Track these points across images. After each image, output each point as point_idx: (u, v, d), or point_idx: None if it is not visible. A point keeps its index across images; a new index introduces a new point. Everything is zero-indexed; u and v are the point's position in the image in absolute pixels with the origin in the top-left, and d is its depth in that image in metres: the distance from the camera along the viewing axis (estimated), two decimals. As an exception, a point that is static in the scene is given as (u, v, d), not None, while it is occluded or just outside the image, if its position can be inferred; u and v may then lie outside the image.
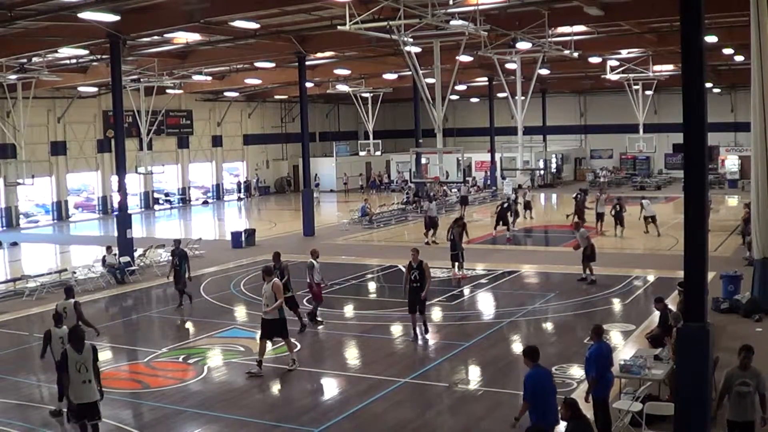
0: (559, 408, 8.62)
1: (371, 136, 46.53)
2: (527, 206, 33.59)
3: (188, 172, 49.54)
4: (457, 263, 21.71)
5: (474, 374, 13.64)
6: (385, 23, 20.50)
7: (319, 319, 16.92)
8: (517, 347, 15.40)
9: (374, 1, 20.00)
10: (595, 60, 35.30)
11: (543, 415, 8.82)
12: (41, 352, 11.65)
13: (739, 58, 33.25)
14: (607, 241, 27.38)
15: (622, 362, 11.11)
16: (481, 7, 21.52)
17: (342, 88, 43.87)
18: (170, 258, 19.75)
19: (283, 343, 13.89)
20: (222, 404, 12.12)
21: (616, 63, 36.74)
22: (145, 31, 24.27)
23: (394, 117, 61.47)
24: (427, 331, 15.53)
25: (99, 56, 27.42)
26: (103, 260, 22.61)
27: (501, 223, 28.37)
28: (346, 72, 38.38)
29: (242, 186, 52.66)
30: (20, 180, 31.69)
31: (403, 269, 22.96)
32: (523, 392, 9.05)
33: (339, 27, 20.80)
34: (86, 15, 19.74)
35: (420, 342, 15.23)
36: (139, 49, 28.69)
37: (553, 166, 52.89)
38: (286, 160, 56.13)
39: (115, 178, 33.92)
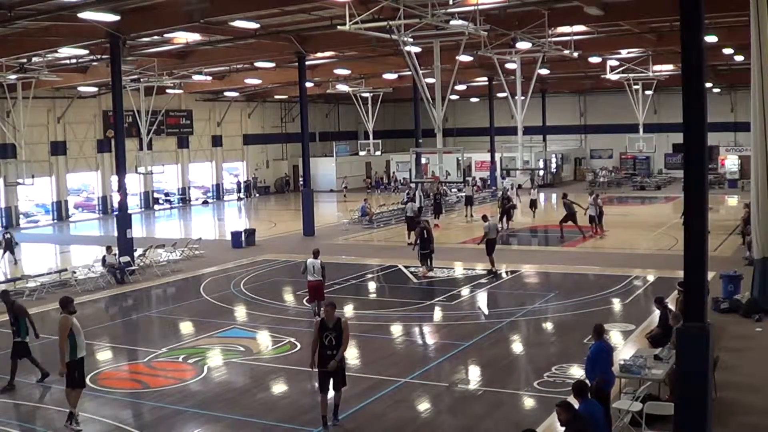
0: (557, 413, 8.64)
1: (371, 136, 46.51)
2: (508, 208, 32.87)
3: (188, 172, 49.54)
4: (428, 260, 22.08)
5: (474, 374, 13.63)
6: (385, 23, 20.49)
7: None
8: (517, 347, 15.44)
9: (374, 1, 19.99)
10: (595, 60, 35.29)
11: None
12: None
13: (739, 58, 33.25)
14: (606, 241, 27.40)
15: (622, 362, 11.09)
16: (481, 7, 21.51)
17: (342, 88, 43.85)
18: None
19: (286, 342, 13.70)
20: (222, 404, 12.11)
21: (616, 63, 36.72)
22: (145, 31, 24.27)
23: (394, 117, 61.47)
24: (337, 416, 11.03)
25: (99, 56, 27.41)
26: (103, 260, 22.60)
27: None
28: (346, 72, 38.37)
29: (242, 186, 52.68)
30: (20, 180, 31.65)
31: (403, 269, 23.25)
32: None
33: (339, 27, 20.78)
34: (86, 15, 19.74)
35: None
36: (139, 49, 28.68)
37: (553, 166, 52.89)
38: (286, 160, 56.16)
39: (115, 178, 33.89)
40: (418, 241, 22.32)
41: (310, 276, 16.86)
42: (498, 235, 23.37)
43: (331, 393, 10.96)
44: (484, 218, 22.77)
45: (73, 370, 11.25)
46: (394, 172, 54.27)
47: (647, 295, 18.70)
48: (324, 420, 10.86)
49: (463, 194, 37.83)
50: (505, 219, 30.52)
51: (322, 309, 15.93)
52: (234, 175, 53.74)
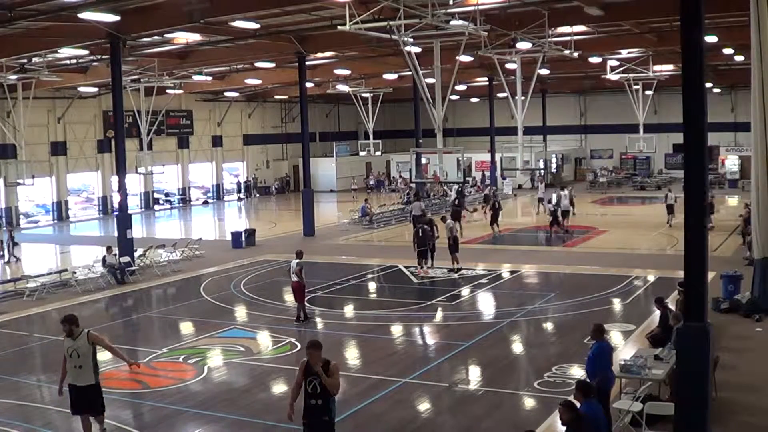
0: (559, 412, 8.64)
1: (371, 136, 46.50)
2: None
3: (188, 172, 49.53)
4: (424, 259, 22.20)
5: (474, 374, 13.63)
6: (385, 23, 20.49)
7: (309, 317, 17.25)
8: (518, 347, 15.43)
9: (374, 1, 20.00)
10: (595, 60, 35.29)
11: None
12: None
13: (739, 58, 33.23)
14: (607, 240, 27.40)
15: (622, 362, 11.09)
16: (481, 7, 21.52)
17: (342, 88, 43.85)
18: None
19: (286, 342, 13.66)
20: (222, 404, 12.11)
21: (616, 63, 36.72)
22: (145, 31, 24.26)
23: (394, 117, 61.47)
24: None
25: (99, 56, 27.42)
26: (104, 260, 22.60)
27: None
28: (346, 72, 38.36)
29: (242, 186, 52.68)
30: (20, 180, 31.67)
31: (403, 269, 23.24)
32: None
33: (339, 27, 20.79)
34: (86, 15, 19.74)
35: None
36: (139, 49, 28.68)
37: (554, 166, 52.86)
38: (286, 160, 56.17)
39: (115, 178, 33.90)
40: (414, 240, 22.46)
41: (292, 276, 17.15)
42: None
43: None
44: (443, 219, 23.29)
45: (70, 395, 10.18)
46: (399, 173, 54.21)
47: (647, 295, 18.70)
48: None
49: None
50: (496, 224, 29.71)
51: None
52: (234, 175, 53.75)
